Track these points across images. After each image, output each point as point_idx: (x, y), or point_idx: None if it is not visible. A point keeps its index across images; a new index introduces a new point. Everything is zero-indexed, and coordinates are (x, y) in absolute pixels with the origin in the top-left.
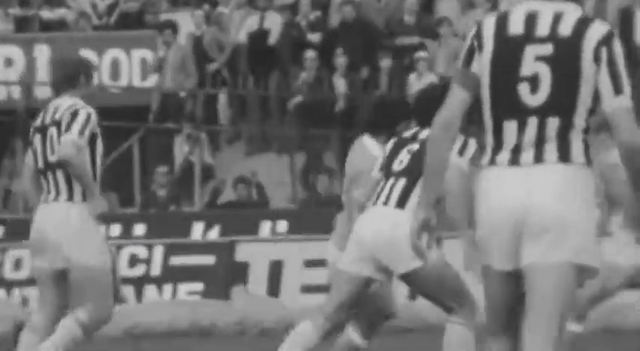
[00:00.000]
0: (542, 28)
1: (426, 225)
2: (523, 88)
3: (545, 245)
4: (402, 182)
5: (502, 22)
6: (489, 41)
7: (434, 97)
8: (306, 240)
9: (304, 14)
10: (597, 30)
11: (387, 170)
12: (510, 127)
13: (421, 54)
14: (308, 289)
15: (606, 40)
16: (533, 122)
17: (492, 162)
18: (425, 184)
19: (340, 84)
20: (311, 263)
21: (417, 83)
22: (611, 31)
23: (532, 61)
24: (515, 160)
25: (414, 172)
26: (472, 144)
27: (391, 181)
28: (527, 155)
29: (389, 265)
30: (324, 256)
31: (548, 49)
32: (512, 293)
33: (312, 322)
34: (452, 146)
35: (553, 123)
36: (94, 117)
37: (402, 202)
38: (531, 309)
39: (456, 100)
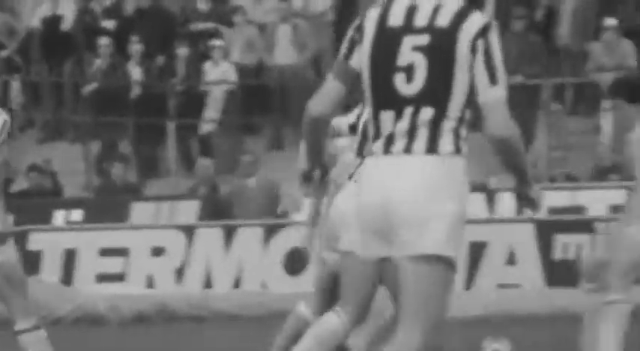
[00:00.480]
0: (421, 19)
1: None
2: (399, 78)
3: (409, 237)
4: None
5: (384, 14)
6: (370, 33)
7: None
8: (100, 229)
9: (99, 0)
10: (475, 22)
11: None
12: (387, 117)
13: (216, 42)
14: (102, 277)
15: (483, 32)
16: (408, 112)
17: (370, 151)
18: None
19: (135, 72)
20: (106, 252)
21: (212, 71)
22: (489, 23)
23: (409, 52)
24: (387, 149)
25: None
26: None
27: None
28: (399, 145)
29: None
30: (119, 245)
31: (424, 39)
32: (371, 278)
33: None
34: (324, 131)
35: (426, 113)
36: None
37: None
38: (403, 301)
39: (328, 89)
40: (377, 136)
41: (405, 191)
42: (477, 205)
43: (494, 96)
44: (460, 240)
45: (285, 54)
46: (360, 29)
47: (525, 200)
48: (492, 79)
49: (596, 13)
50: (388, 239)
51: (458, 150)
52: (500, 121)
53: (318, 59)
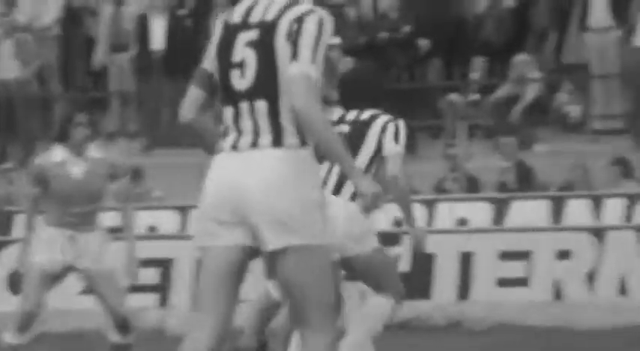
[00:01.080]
0: (255, 15)
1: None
2: (234, 74)
3: (271, 233)
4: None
5: (229, 14)
6: (217, 33)
7: (357, 79)
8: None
9: None
10: (295, 11)
11: None
12: (229, 113)
13: None
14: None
15: (299, 18)
16: (244, 107)
17: (220, 148)
18: None
19: None
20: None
21: None
22: (310, 10)
23: (242, 48)
24: (235, 145)
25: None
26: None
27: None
28: (245, 140)
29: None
30: None
31: (254, 34)
32: (224, 269)
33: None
34: (207, 133)
35: (261, 107)
36: None
37: (338, 189)
38: (288, 297)
39: (189, 96)
40: (225, 132)
41: (256, 187)
42: None
43: (294, 70)
44: (321, 225)
45: (9, 68)
46: (214, 32)
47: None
48: (295, 55)
49: None
50: (235, 228)
51: (302, 140)
52: (300, 92)
53: (42, 73)
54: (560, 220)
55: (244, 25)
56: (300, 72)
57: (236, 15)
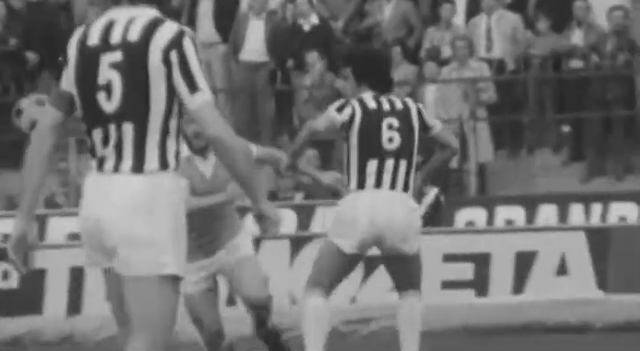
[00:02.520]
0: (116, 36)
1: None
2: (101, 97)
3: (124, 258)
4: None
5: (84, 35)
6: (73, 55)
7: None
8: None
9: None
10: (165, 32)
11: (377, 149)
12: (97, 135)
13: None
14: None
15: (175, 43)
16: (112, 129)
17: (90, 168)
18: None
19: None
20: None
21: None
22: (180, 31)
23: (106, 69)
24: (100, 166)
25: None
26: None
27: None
28: (109, 163)
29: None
30: None
31: (118, 56)
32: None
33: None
34: (43, 161)
35: (128, 130)
36: None
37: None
38: (131, 315)
39: (48, 118)
40: (92, 153)
41: (113, 211)
42: None
43: (198, 101)
44: (179, 252)
45: None
46: (64, 53)
47: (260, 218)
48: (192, 87)
49: None
50: (106, 253)
51: (164, 165)
52: (209, 121)
53: None
54: None
55: (105, 46)
56: (206, 101)
57: (93, 36)
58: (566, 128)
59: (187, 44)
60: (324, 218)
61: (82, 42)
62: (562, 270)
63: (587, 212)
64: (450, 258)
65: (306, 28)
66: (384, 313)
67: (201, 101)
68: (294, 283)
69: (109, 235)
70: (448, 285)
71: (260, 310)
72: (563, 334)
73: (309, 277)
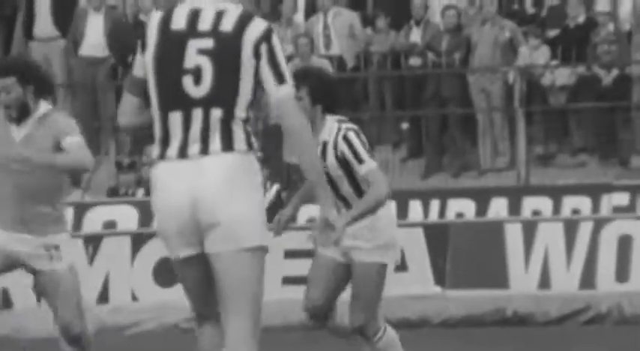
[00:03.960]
0: (204, 24)
1: None
2: (187, 80)
3: (221, 235)
4: None
5: (166, 19)
6: (152, 38)
7: None
8: None
9: None
10: (257, 27)
11: None
12: (176, 119)
13: None
14: None
15: (265, 37)
16: (197, 113)
17: (162, 156)
18: None
19: None
20: None
21: None
22: (269, 27)
23: (194, 55)
24: (183, 153)
25: None
26: None
27: None
28: (194, 148)
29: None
30: None
31: (209, 43)
32: (201, 277)
33: None
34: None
35: (216, 114)
36: None
37: None
38: (224, 297)
39: (123, 102)
40: (166, 138)
41: (212, 189)
42: None
43: (283, 92)
44: (264, 226)
45: None
46: (142, 36)
47: (325, 228)
48: (279, 78)
49: None
50: (199, 235)
51: (250, 146)
52: (292, 112)
53: None
54: None
55: (192, 32)
56: (288, 94)
57: (178, 21)
58: (405, 125)
59: (275, 39)
60: None
61: (165, 25)
62: (401, 266)
63: (426, 209)
64: (290, 254)
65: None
66: None
67: (285, 93)
68: (135, 279)
69: (210, 213)
70: (289, 281)
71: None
72: (402, 329)
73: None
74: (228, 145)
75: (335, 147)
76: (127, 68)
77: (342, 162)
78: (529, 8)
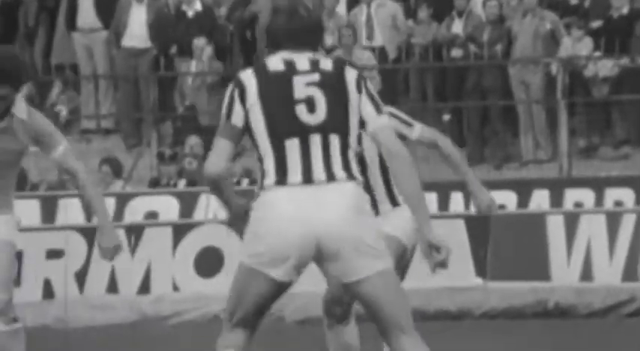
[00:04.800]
0: (303, 66)
1: None
2: (300, 109)
3: (361, 260)
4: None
5: (261, 68)
6: (251, 83)
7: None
8: None
9: None
10: (352, 69)
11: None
12: (294, 146)
13: None
14: None
15: (362, 77)
16: (316, 140)
17: (281, 182)
18: None
19: None
20: None
21: None
22: (361, 72)
23: (303, 87)
24: (308, 178)
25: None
26: None
27: None
28: (318, 173)
29: None
30: None
31: (315, 77)
32: (269, 298)
33: None
34: (229, 186)
35: (334, 141)
36: None
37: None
38: (384, 317)
39: (218, 148)
40: (282, 167)
41: (339, 218)
42: None
43: (382, 122)
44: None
45: None
46: (239, 87)
47: (431, 250)
48: (378, 109)
49: None
50: (300, 268)
51: (357, 175)
52: (393, 139)
53: None
54: (52, 220)
55: (294, 71)
56: (388, 124)
57: (274, 66)
58: (446, 117)
59: (368, 81)
60: (207, 205)
61: (262, 71)
62: None
63: (467, 200)
64: None
65: (190, 14)
66: None
67: (385, 122)
68: (176, 270)
69: (337, 240)
70: None
71: None
72: (443, 321)
73: None
74: (350, 173)
75: None
76: (168, 59)
77: None
78: None
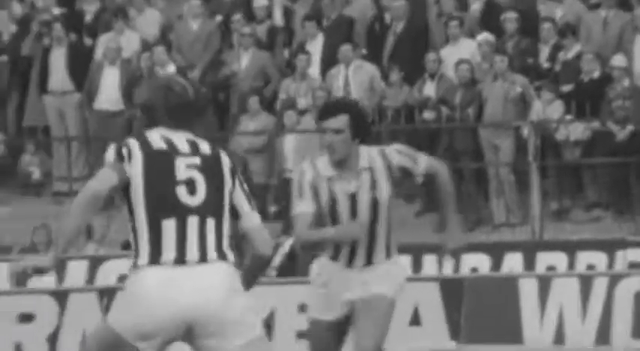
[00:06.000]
0: (183, 146)
1: None
2: (181, 190)
3: (226, 336)
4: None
5: (143, 141)
6: (138, 153)
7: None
8: None
9: None
10: (226, 157)
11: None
12: (170, 226)
13: None
14: None
15: (235, 166)
16: (193, 221)
17: (154, 261)
18: None
19: None
20: None
21: None
22: (233, 162)
23: (184, 169)
24: (181, 259)
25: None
26: None
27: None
28: (192, 254)
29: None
30: None
31: (196, 160)
32: None
33: None
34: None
35: (211, 222)
36: None
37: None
38: None
39: (106, 177)
40: (157, 246)
41: (210, 300)
42: None
43: (257, 221)
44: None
45: None
46: (127, 148)
47: None
48: (250, 204)
49: None
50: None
51: (233, 258)
52: (267, 241)
53: None
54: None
55: (176, 151)
56: (260, 223)
57: (155, 142)
58: (419, 179)
59: (239, 172)
60: None
61: (146, 146)
62: (416, 320)
63: (441, 264)
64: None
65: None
66: None
67: (258, 221)
68: None
69: (206, 323)
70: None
71: None
72: None
73: None
74: (222, 254)
75: (389, 167)
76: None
77: (399, 174)
78: (544, 63)
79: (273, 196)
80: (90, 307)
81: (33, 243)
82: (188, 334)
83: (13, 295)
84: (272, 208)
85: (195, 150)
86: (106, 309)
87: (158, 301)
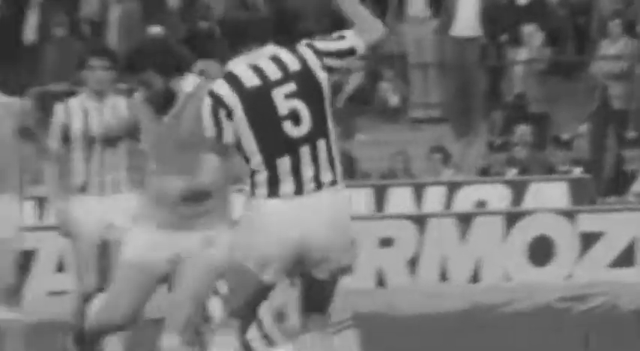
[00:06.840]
0: (273, 72)
1: None
2: (286, 125)
3: (333, 258)
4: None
5: (233, 81)
6: (234, 103)
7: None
8: None
9: None
10: (309, 51)
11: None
12: (285, 163)
13: None
14: None
15: (312, 46)
16: (305, 150)
17: (273, 194)
18: None
19: None
20: None
21: None
22: (310, 42)
23: (284, 101)
24: (298, 190)
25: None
26: None
27: None
28: (308, 184)
29: None
30: None
31: (291, 86)
32: (258, 296)
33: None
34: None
35: (321, 143)
36: None
37: None
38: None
39: (212, 166)
40: (274, 181)
41: (322, 231)
42: None
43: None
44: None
45: None
46: (221, 105)
47: None
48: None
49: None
50: (303, 264)
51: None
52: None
53: None
54: (382, 209)
55: (268, 84)
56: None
57: (247, 80)
58: None
59: (317, 43)
60: (537, 194)
61: (238, 87)
62: None
63: None
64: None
65: (522, 2)
66: (600, 289)
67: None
68: (507, 259)
69: (319, 245)
70: None
71: None
72: None
73: None
74: (334, 176)
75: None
76: (497, 48)
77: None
78: None
79: (633, 123)
80: (448, 232)
81: (391, 169)
82: (299, 263)
83: (373, 220)
84: (631, 134)
85: (285, 72)
86: (463, 236)
87: (275, 228)
